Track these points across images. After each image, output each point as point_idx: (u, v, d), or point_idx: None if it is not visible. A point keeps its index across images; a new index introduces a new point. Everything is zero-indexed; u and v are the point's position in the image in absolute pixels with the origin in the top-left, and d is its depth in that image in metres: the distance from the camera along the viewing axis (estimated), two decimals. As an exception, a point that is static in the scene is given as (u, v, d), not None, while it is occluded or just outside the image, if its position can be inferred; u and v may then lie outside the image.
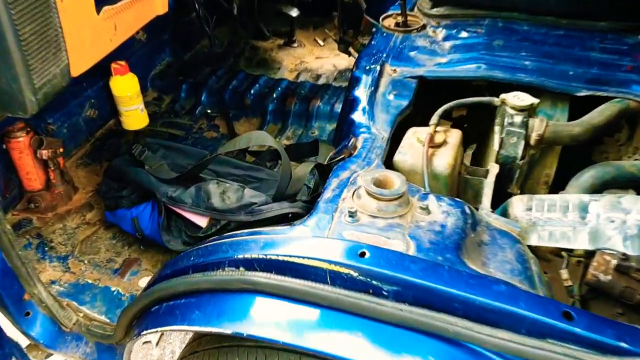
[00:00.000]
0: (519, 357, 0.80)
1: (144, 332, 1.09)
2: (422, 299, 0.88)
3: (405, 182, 1.12)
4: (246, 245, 1.02)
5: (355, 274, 0.90)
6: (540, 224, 1.31)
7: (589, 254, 1.34)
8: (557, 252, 1.38)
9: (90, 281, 1.56)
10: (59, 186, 1.78)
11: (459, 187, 1.49)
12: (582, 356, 0.77)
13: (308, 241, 0.99)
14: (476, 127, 1.82)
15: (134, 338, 1.15)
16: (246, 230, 1.13)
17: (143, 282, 1.56)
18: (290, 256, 0.95)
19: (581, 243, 1.25)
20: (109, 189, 1.64)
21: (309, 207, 1.30)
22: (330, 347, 0.88)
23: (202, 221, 1.41)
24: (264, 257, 0.97)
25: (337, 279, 0.92)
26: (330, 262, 0.92)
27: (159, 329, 1.05)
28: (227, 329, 0.95)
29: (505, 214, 1.35)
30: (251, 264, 0.99)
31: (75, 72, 1.08)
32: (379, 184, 1.13)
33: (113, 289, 1.54)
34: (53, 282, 1.55)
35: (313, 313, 0.92)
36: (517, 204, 1.35)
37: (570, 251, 1.37)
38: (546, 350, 0.81)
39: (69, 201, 1.82)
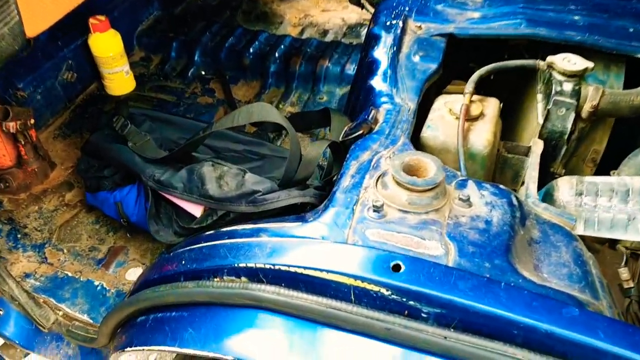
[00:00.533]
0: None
1: (128, 348, 0.94)
2: (471, 324, 0.73)
3: (442, 167, 0.95)
4: (249, 250, 0.85)
5: (387, 292, 0.74)
6: (588, 209, 1.15)
7: (647, 247, 1.18)
8: (602, 240, 1.23)
9: (70, 274, 1.41)
10: (33, 162, 1.60)
11: (496, 167, 1.31)
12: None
13: (327, 248, 0.82)
14: (505, 93, 1.62)
15: (117, 351, 1.00)
16: (249, 227, 0.96)
17: (131, 274, 1.41)
18: (304, 268, 0.78)
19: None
20: (89, 168, 1.47)
21: (322, 194, 1.13)
22: (355, 382, 0.73)
23: (196, 210, 1.24)
24: (272, 267, 0.80)
25: (364, 297, 0.76)
26: (355, 277, 0.75)
27: (145, 347, 0.90)
28: (227, 354, 0.80)
29: (548, 198, 1.19)
30: (255, 274, 0.83)
31: (32, 31, 0.89)
32: (410, 170, 0.96)
33: (96, 283, 1.39)
34: (27, 276, 1.40)
35: (333, 338, 0.77)
36: (565, 187, 1.19)
37: (617, 241, 1.22)
38: (631, 391, 0.66)
39: (45, 179, 1.65)
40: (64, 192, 1.64)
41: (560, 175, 1.32)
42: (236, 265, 0.84)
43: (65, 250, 1.47)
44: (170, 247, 1.29)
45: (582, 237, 1.07)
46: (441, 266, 0.76)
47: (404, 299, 0.74)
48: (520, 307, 0.71)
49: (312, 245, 0.83)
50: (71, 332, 1.26)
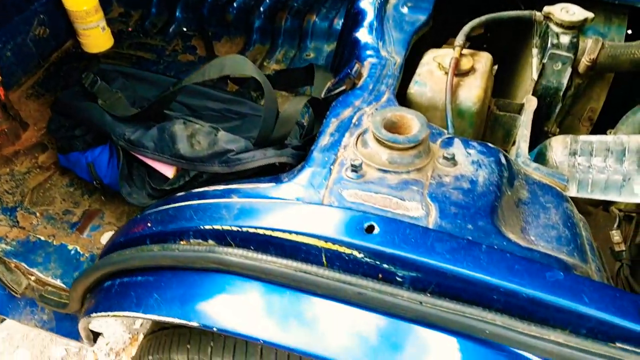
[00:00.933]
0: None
1: (93, 314, 0.91)
2: (448, 288, 0.69)
3: (426, 124, 0.89)
4: (216, 211, 0.81)
5: (359, 255, 0.70)
6: (582, 169, 1.11)
7: (641, 209, 1.15)
8: (595, 202, 1.19)
9: (43, 238, 1.37)
10: (2, 122, 1.54)
11: (486, 126, 1.26)
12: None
13: (297, 209, 0.78)
14: (499, 50, 1.55)
15: (85, 317, 0.97)
16: (219, 188, 0.91)
17: (106, 238, 1.37)
18: (273, 229, 0.74)
19: (636, 196, 1.06)
20: (59, 127, 1.41)
21: (301, 154, 1.08)
22: (325, 349, 0.70)
23: (168, 170, 1.19)
24: (239, 229, 0.76)
25: (336, 260, 0.72)
26: (326, 239, 0.71)
27: (110, 313, 0.87)
28: (193, 321, 0.77)
29: (541, 158, 1.14)
30: (223, 237, 0.78)
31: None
32: (392, 126, 0.91)
33: (70, 247, 1.35)
34: (-2, 240, 1.36)
35: (303, 303, 0.73)
36: (558, 146, 1.15)
37: (610, 203, 1.19)
38: (616, 358, 0.63)
39: (17, 140, 1.59)
40: (37, 154, 1.58)
41: (555, 135, 1.28)
42: (202, 227, 0.80)
43: (38, 214, 1.43)
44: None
45: (575, 200, 1.04)
46: (418, 227, 0.72)
47: (378, 262, 0.70)
48: (501, 271, 0.68)
49: (283, 207, 0.79)
50: (44, 297, 1.23)
